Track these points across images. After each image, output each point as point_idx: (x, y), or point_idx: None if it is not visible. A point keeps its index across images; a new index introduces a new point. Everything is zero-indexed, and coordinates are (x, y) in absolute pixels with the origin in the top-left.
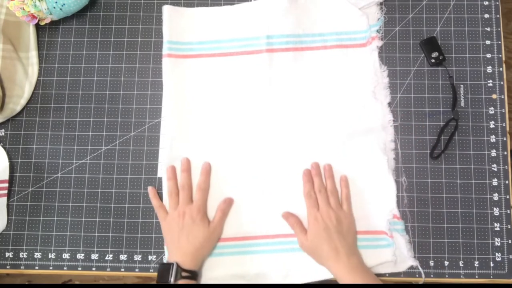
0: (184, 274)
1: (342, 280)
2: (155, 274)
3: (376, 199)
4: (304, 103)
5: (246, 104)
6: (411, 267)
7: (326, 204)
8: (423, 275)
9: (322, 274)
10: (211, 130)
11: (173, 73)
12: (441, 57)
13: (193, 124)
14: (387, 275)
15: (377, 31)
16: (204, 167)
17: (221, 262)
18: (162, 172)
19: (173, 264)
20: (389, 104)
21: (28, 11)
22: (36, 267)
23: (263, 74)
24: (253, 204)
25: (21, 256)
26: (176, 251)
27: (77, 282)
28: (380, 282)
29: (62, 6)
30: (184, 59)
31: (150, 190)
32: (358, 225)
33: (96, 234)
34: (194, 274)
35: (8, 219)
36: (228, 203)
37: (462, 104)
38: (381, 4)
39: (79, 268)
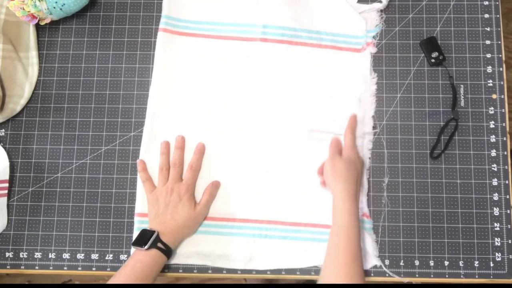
0: (160, 245)
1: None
2: None
3: None
4: (289, 97)
5: (232, 89)
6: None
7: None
8: (392, 275)
9: (285, 263)
10: (193, 109)
11: (165, 48)
12: (441, 57)
13: (178, 101)
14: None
15: (373, 37)
16: (198, 147)
17: (188, 240)
18: (143, 151)
19: (155, 232)
20: (374, 114)
21: (28, 11)
22: (36, 267)
23: (253, 62)
24: (230, 187)
25: (21, 256)
26: (158, 224)
27: (77, 282)
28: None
29: (62, 6)
30: (179, 36)
31: (140, 163)
32: (326, 220)
33: (96, 234)
34: (168, 250)
35: (8, 219)
36: (215, 186)
37: (462, 104)
38: (381, 11)
39: (79, 268)
